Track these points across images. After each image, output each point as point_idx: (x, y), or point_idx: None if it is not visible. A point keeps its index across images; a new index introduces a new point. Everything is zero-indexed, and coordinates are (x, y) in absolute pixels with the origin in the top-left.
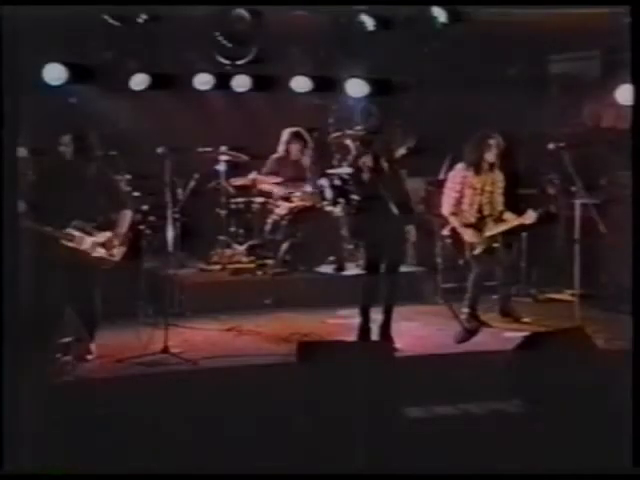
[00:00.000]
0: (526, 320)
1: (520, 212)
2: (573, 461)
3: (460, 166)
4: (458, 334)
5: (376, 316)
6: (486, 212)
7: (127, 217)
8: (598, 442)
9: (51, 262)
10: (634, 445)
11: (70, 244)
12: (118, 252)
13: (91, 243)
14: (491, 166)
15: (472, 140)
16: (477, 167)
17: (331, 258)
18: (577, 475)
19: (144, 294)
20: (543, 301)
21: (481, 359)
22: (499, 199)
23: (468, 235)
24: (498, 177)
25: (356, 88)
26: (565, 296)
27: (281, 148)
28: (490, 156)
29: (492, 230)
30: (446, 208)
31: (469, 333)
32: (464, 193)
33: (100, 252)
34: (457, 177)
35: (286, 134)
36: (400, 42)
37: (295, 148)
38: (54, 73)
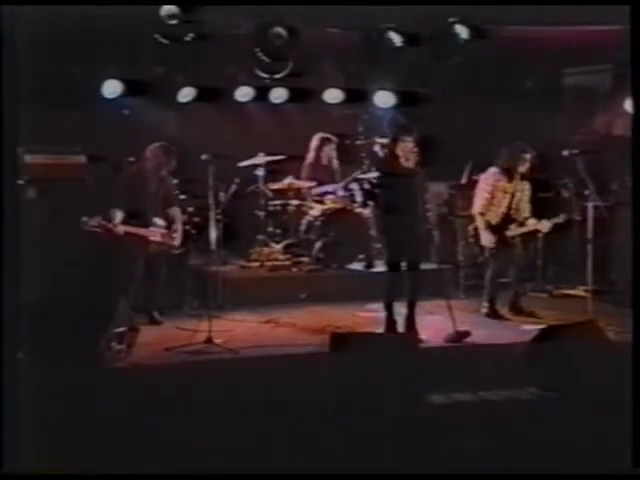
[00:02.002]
0: (539, 314)
1: (539, 217)
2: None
3: (493, 169)
4: (448, 335)
5: (401, 310)
6: (513, 216)
7: (178, 212)
8: (607, 433)
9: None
10: (634, 445)
11: (153, 238)
12: (178, 241)
13: (163, 234)
14: (522, 176)
15: (509, 149)
16: (509, 174)
17: (361, 256)
18: (577, 475)
19: (190, 288)
20: (558, 297)
21: (499, 350)
22: (525, 206)
23: (485, 238)
24: (526, 186)
25: (384, 99)
26: (579, 292)
27: (311, 154)
28: (522, 168)
29: (512, 232)
30: (476, 207)
31: (459, 335)
32: (495, 195)
33: (168, 242)
34: (490, 179)
35: (315, 140)
36: (425, 57)
37: (324, 152)
38: (110, 87)
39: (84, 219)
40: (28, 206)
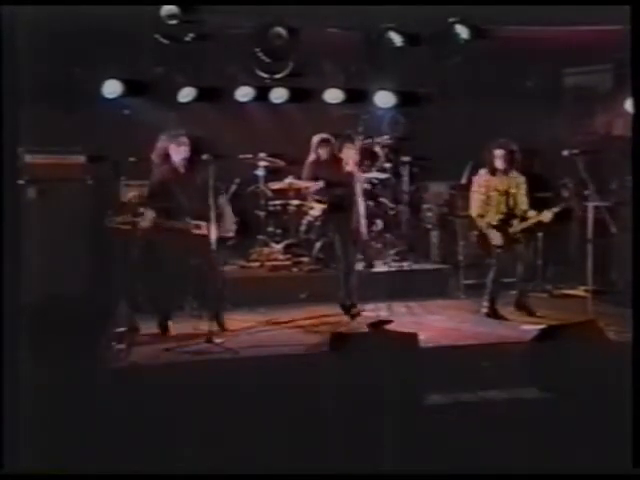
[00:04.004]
0: (539, 314)
1: (539, 212)
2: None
3: (483, 171)
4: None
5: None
6: (511, 211)
7: (225, 202)
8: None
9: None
10: (634, 445)
11: (197, 232)
12: (232, 228)
13: (208, 227)
14: (505, 171)
15: (486, 148)
16: (492, 171)
17: (361, 256)
18: (577, 475)
19: (190, 288)
20: (558, 296)
21: (500, 350)
22: (523, 199)
23: (493, 237)
24: (520, 179)
25: (384, 99)
26: (579, 292)
27: (312, 153)
28: (497, 163)
29: (515, 227)
30: (473, 210)
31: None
32: (489, 195)
33: (218, 232)
34: (481, 180)
35: (315, 140)
36: (425, 57)
37: (324, 152)
38: (110, 87)
39: (110, 218)
40: (28, 206)
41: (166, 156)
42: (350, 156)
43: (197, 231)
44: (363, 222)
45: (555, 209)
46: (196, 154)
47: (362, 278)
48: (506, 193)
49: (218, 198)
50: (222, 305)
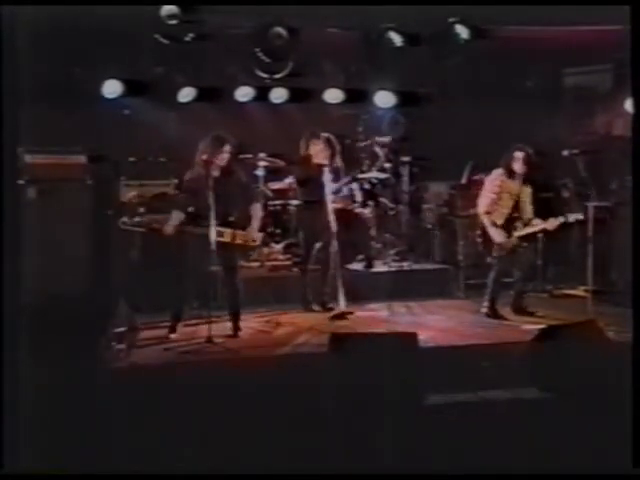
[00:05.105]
0: (539, 314)
1: (540, 217)
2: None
3: (499, 171)
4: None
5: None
6: (517, 215)
7: (259, 209)
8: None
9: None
10: (634, 445)
11: (220, 239)
12: (258, 237)
13: (233, 235)
14: (523, 176)
15: (507, 150)
16: (509, 174)
17: (361, 256)
18: (577, 475)
19: (192, 289)
20: (558, 297)
21: (500, 350)
22: (529, 208)
23: (496, 235)
24: (528, 189)
25: (384, 99)
26: (579, 292)
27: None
28: (516, 167)
29: (520, 232)
30: (481, 207)
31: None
32: (501, 196)
33: (242, 240)
34: (496, 180)
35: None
36: (425, 57)
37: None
38: (110, 87)
39: (124, 219)
40: (28, 206)
41: (206, 161)
42: (318, 151)
43: (219, 238)
44: (332, 219)
45: (562, 218)
46: (235, 159)
47: (362, 278)
48: (517, 197)
49: (251, 206)
50: (239, 309)
